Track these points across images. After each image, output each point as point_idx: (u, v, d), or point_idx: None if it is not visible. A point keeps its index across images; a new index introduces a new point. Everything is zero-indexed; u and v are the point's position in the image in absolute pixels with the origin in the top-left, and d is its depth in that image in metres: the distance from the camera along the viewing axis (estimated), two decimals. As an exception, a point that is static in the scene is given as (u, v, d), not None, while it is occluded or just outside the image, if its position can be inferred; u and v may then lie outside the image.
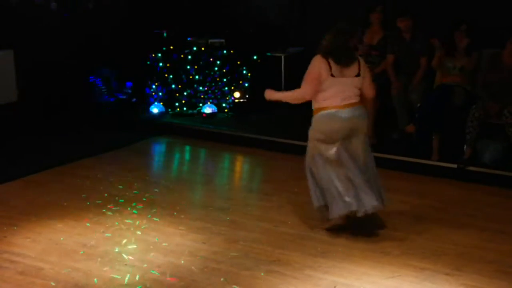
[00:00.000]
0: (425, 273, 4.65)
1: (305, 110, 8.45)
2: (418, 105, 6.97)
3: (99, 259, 4.84)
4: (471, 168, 6.49)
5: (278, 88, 8.36)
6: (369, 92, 5.31)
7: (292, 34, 8.73)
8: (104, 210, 5.75)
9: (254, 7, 8.91)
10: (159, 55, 8.66)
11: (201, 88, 8.70)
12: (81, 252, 4.96)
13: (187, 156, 7.98)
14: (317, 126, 5.24)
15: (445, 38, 6.91)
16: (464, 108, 6.64)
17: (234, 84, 8.70)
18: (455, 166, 6.54)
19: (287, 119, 8.27)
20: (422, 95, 7.01)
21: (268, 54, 8.64)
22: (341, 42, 5.15)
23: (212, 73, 8.70)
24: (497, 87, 6.53)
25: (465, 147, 6.54)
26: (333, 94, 5.13)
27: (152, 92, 8.75)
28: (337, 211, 5.16)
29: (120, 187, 6.32)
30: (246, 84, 8.71)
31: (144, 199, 6.01)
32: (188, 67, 8.66)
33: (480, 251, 5.00)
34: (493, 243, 5.14)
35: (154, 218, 5.59)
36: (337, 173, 5.17)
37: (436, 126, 6.69)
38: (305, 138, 7.42)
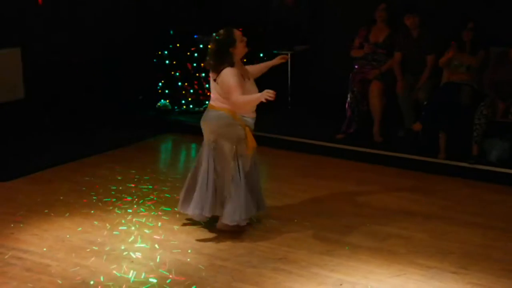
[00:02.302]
0: (431, 271, 4.64)
1: (309, 108, 8.45)
2: (425, 103, 6.95)
3: (105, 257, 4.85)
4: (478, 166, 6.47)
5: (285, 85, 8.44)
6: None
7: (298, 32, 8.70)
8: (110, 208, 5.76)
9: (262, 6, 8.89)
10: (166, 52, 8.65)
11: (207, 85, 8.68)
12: (88, 250, 4.96)
13: (193, 153, 7.97)
14: None
15: (452, 36, 6.90)
16: (471, 106, 6.61)
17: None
18: (462, 164, 6.51)
19: (291, 117, 8.26)
20: (429, 93, 6.98)
21: (275, 52, 8.62)
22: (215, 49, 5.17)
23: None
24: (504, 85, 6.51)
25: (472, 144, 6.52)
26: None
27: (159, 89, 8.75)
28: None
29: (126, 184, 6.32)
30: (253, 82, 8.69)
31: (150, 196, 6.01)
32: (195, 64, 8.64)
33: (487, 250, 4.98)
34: (500, 242, 5.12)
35: (161, 216, 5.59)
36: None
37: (443, 124, 6.66)
38: (309, 136, 7.46)
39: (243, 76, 5.18)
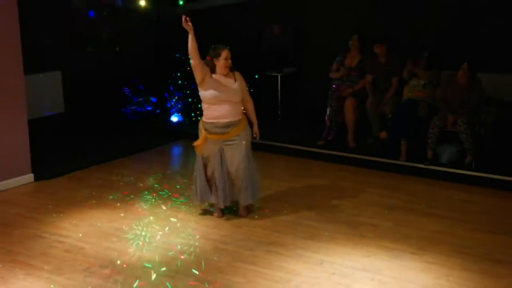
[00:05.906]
0: (394, 252, 4.66)
1: (295, 120, 8.44)
2: (390, 116, 6.98)
3: (129, 241, 4.86)
4: (432, 167, 6.50)
5: (275, 101, 8.47)
6: None
7: (286, 57, 8.73)
8: (133, 202, 5.76)
9: (256, 35, 8.91)
10: (179, 74, 8.66)
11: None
12: (115, 235, 4.98)
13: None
14: None
15: (411, 61, 6.96)
16: (426, 118, 6.65)
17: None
18: (420, 165, 6.53)
19: (281, 127, 8.27)
20: (393, 108, 7.01)
21: (267, 73, 8.65)
22: None
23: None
24: (452, 101, 6.54)
25: (428, 149, 6.55)
26: None
27: (173, 104, 8.76)
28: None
29: (147, 182, 6.33)
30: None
31: (166, 192, 6.02)
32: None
33: (440, 235, 5.00)
34: (451, 229, 5.14)
35: (175, 209, 5.60)
36: None
37: (404, 133, 6.69)
38: (296, 142, 7.47)
39: (220, 83, 5.16)
